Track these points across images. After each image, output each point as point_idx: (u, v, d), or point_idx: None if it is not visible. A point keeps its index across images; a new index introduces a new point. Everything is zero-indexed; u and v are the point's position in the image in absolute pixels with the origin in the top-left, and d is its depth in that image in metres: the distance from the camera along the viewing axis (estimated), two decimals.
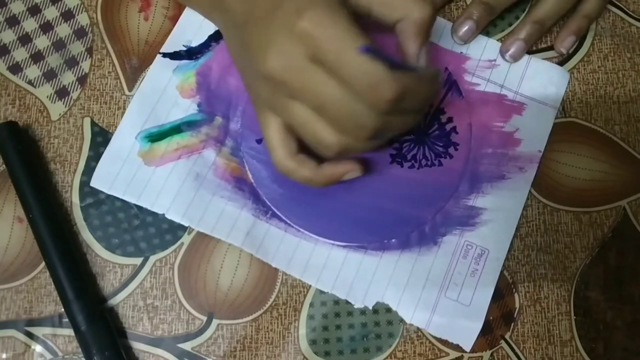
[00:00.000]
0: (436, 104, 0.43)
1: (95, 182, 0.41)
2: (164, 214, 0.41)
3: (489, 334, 0.40)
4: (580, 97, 0.44)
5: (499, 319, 0.40)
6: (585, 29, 0.44)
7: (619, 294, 0.41)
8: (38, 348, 0.40)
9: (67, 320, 0.39)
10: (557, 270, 0.41)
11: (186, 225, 0.41)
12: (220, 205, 0.41)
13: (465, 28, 0.43)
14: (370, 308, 0.40)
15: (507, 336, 0.40)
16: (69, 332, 0.39)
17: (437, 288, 0.40)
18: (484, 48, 0.44)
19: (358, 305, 0.40)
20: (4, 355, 0.39)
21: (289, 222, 0.41)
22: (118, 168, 0.41)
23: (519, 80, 0.44)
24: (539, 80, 0.44)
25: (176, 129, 0.42)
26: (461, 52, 0.44)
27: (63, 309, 0.39)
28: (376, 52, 0.31)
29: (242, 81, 0.39)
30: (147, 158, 0.42)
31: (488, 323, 0.40)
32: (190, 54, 0.43)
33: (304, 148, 0.37)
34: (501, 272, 0.41)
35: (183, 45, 0.44)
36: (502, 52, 0.44)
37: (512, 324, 0.40)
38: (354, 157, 0.38)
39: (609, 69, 0.45)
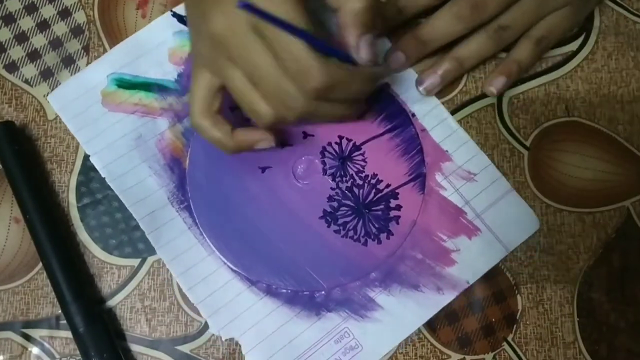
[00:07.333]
0: (394, 186, 0.41)
1: (52, 98, 0.42)
2: (89, 156, 0.41)
3: (491, 336, 0.40)
4: (583, 96, 0.43)
5: (502, 321, 0.40)
6: (516, 73, 0.41)
7: (623, 295, 0.40)
8: (35, 350, 0.39)
9: (64, 322, 0.38)
10: (560, 271, 0.41)
11: (102, 176, 0.40)
12: (144, 174, 0.41)
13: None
14: (224, 340, 0.39)
15: (509, 338, 0.40)
16: (67, 334, 0.39)
17: (293, 357, 0.39)
18: (471, 158, 0.41)
19: (213, 330, 0.39)
20: (0, 358, 0.39)
21: (197, 221, 0.40)
22: (78, 94, 0.42)
23: (488, 205, 0.40)
24: (506, 216, 0.40)
25: (146, 86, 0.42)
26: (446, 150, 0.41)
27: (60, 311, 0.38)
28: (252, 8, 0.30)
29: (190, 34, 0.37)
30: (107, 99, 0.42)
31: (490, 325, 0.40)
32: None
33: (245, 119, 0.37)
34: (504, 274, 0.40)
35: None
36: (417, 84, 0.42)
37: (515, 325, 0.40)
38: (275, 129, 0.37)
39: (612, 67, 0.44)
